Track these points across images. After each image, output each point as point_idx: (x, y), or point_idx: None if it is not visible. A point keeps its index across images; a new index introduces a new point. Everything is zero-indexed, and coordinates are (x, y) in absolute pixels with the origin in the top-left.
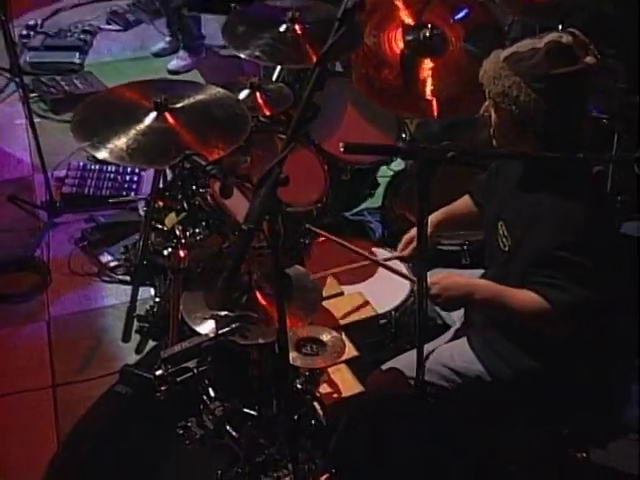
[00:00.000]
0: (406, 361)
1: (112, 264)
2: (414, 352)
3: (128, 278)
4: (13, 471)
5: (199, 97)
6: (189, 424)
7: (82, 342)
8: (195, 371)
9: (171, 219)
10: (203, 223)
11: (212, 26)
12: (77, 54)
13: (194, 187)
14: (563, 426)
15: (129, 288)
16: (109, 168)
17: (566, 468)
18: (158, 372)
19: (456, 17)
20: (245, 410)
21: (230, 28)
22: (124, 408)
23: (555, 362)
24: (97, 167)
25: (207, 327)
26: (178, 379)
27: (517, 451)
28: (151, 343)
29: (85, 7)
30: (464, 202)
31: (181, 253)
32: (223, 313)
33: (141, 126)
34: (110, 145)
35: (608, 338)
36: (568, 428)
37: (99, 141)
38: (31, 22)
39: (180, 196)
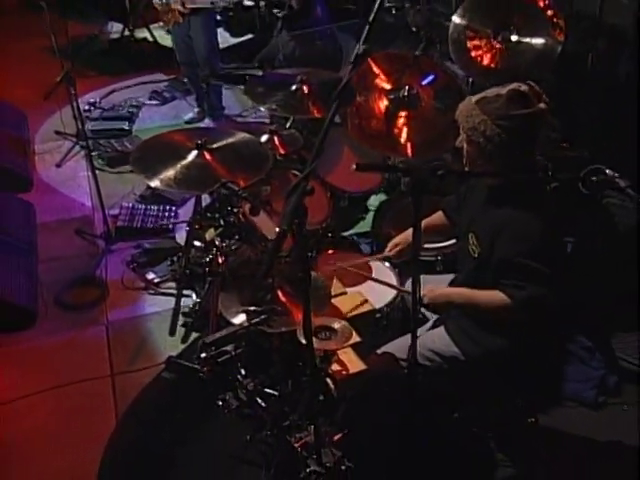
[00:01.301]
0: (396, 346)
1: (155, 280)
2: (402, 339)
3: (169, 291)
4: (79, 448)
5: (230, 140)
6: (227, 397)
7: (133, 341)
8: (233, 353)
9: (210, 233)
10: (236, 236)
11: (230, 100)
12: (127, 122)
13: (229, 208)
14: (518, 396)
15: (169, 299)
16: (152, 207)
17: (521, 430)
18: (203, 355)
19: (424, 82)
20: (271, 385)
21: (250, 89)
22: (170, 390)
23: (514, 344)
24: (142, 206)
25: (240, 319)
26: (219, 360)
27: (483, 417)
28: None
29: (133, 87)
30: (438, 216)
31: (219, 259)
32: (252, 308)
33: (185, 161)
34: (161, 176)
35: (553, 326)
36: (522, 398)
37: (153, 173)
38: (91, 100)
39: (218, 215)
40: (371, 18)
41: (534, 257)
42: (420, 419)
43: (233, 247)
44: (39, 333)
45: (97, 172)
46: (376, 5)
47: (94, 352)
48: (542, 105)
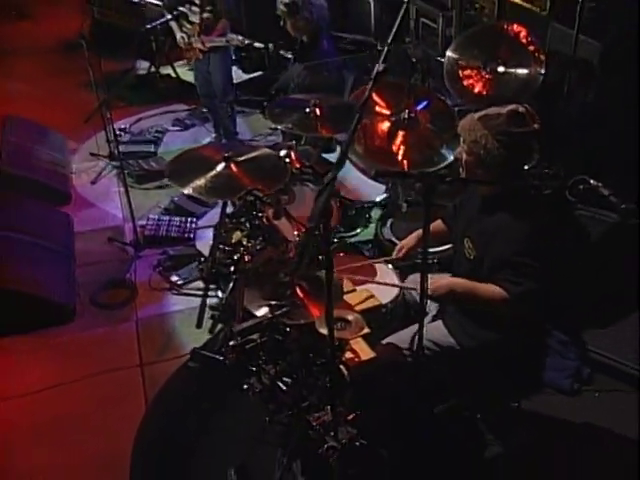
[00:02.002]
0: (399, 338)
1: (179, 282)
2: (403, 332)
3: (191, 291)
4: (112, 429)
5: (253, 154)
6: (252, 381)
7: (160, 335)
8: (258, 341)
9: (237, 235)
10: (260, 238)
11: (242, 127)
12: (153, 146)
13: (254, 212)
14: (504, 383)
15: (191, 298)
16: (174, 218)
17: (506, 414)
18: (231, 342)
19: (419, 107)
20: (290, 371)
21: (270, 110)
22: (194, 378)
23: (502, 337)
24: (167, 218)
25: (262, 311)
26: (246, 347)
27: (474, 401)
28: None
29: (158, 116)
30: (437, 224)
31: (246, 258)
32: (274, 302)
33: (214, 172)
34: (193, 184)
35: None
36: (507, 385)
37: (186, 181)
38: (122, 126)
39: (244, 219)
40: (389, 41)
41: (528, 255)
42: (420, 402)
43: (258, 247)
44: (76, 328)
45: (128, 189)
46: (394, 30)
47: (125, 345)
48: (536, 125)
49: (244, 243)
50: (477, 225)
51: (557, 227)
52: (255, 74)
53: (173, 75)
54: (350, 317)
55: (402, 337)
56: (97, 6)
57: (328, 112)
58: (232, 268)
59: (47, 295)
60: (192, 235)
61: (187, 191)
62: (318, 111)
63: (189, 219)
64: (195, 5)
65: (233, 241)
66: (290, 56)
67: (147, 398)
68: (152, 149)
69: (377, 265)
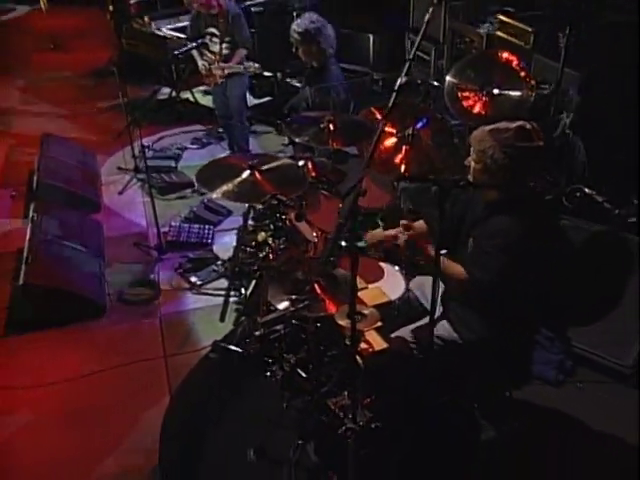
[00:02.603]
0: (406, 332)
1: (198, 283)
2: (409, 327)
3: (209, 291)
4: (139, 414)
5: (275, 163)
6: (274, 369)
7: (182, 329)
8: (282, 332)
9: (262, 236)
10: (283, 238)
11: (253, 145)
12: (173, 161)
13: (278, 215)
14: (498, 375)
15: (210, 297)
16: (194, 226)
17: (499, 402)
18: (257, 332)
19: (418, 125)
20: (308, 360)
21: (288, 126)
22: (215, 368)
23: (498, 333)
24: (187, 225)
25: (284, 305)
26: (270, 337)
27: (471, 390)
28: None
29: (178, 135)
30: (420, 224)
31: (271, 256)
32: (295, 296)
33: (239, 179)
34: (220, 189)
35: (524, 320)
36: (500, 376)
37: (214, 187)
38: (146, 143)
39: (268, 221)
40: (410, 56)
41: (505, 252)
42: (426, 391)
43: (281, 247)
44: (107, 322)
45: (149, 199)
46: (415, 46)
47: (150, 339)
48: (541, 142)
49: (269, 242)
50: (480, 226)
51: (548, 232)
52: (264, 99)
53: (191, 99)
54: (366, 311)
55: (409, 331)
56: (126, 38)
57: (340, 128)
58: (256, 266)
59: (81, 292)
60: (209, 241)
61: (215, 195)
62: (331, 126)
63: (206, 227)
64: (215, 36)
65: (259, 240)
66: (297, 84)
67: (170, 386)
68: (173, 164)
69: (384, 266)
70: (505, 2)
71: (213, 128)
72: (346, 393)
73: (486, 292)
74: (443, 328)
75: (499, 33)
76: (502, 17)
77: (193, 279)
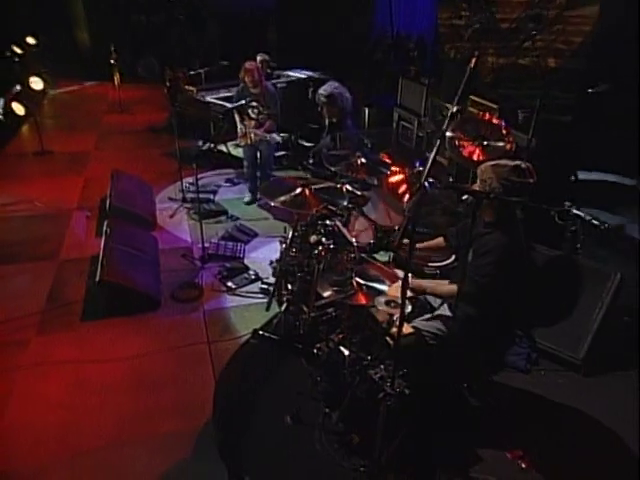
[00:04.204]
0: (419, 323)
1: (233, 287)
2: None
3: (242, 293)
4: (187, 387)
5: (321, 185)
6: (320, 346)
7: (221, 322)
8: (333, 314)
9: (314, 238)
10: (331, 239)
11: None
12: (212, 195)
13: (327, 221)
14: (482, 364)
15: (243, 299)
16: (229, 243)
17: (481, 384)
18: (312, 314)
19: (416, 165)
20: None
21: (327, 159)
22: (254, 352)
23: (481, 332)
24: (224, 242)
25: (328, 293)
26: (323, 318)
27: (461, 375)
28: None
29: (214, 177)
30: (438, 240)
31: (322, 252)
32: (337, 288)
33: (293, 193)
34: (279, 199)
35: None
36: (483, 365)
37: (274, 197)
38: (190, 181)
39: (319, 225)
40: (462, 87)
41: (497, 268)
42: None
43: (331, 246)
44: (161, 315)
45: (195, 222)
46: (466, 77)
47: (196, 328)
48: (532, 180)
49: (323, 241)
50: (479, 241)
51: (525, 250)
52: (281, 153)
53: (225, 150)
54: (398, 301)
55: (420, 322)
56: (178, 103)
57: (366, 162)
58: (307, 262)
59: (142, 290)
60: (241, 255)
61: (274, 203)
62: (359, 161)
63: (239, 244)
64: (255, 108)
65: (311, 241)
66: (306, 143)
67: (213, 366)
68: (211, 197)
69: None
70: (476, 85)
71: (242, 172)
72: (382, 366)
73: (475, 299)
74: (437, 324)
75: (471, 108)
76: (472, 97)
77: (229, 284)
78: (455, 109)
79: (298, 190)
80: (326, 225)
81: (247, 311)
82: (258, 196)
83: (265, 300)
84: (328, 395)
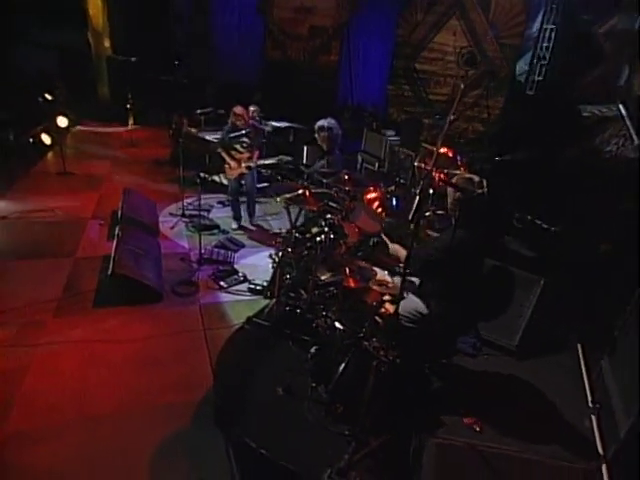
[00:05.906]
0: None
1: (225, 286)
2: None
3: (232, 291)
4: (187, 367)
5: (319, 190)
6: (320, 322)
7: (214, 314)
8: (335, 291)
9: (314, 229)
10: (331, 232)
11: (258, 208)
12: (206, 212)
13: (328, 216)
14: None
15: (233, 296)
16: (221, 250)
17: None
18: (316, 291)
19: (394, 207)
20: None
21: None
22: (248, 337)
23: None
24: (217, 250)
25: (325, 276)
26: (327, 295)
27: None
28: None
29: (209, 199)
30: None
31: (323, 241)
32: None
33: (295, 193)
34: (284, 196)
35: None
36: (441, 349)
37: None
38: (188, 200)
39: (323, 221)
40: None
41: (442, 251)
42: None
43: (330, 237)
44: (163, 306)
45: (191, 233)
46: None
47: (193, 318)
48: (479, 190)
49: (324, 231)
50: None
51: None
52: (264, 184)
53: (217, 180)
54: (390, 283)
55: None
56: (181, 139)
57: (354, 178)
58: (306, 250)
59: (148, 283)
60: (232, 260)
61: (278, 200)
62: (347, 177)
63: (229, 252)
64: (245, 144)
65: (313, 232)
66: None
67: (209, 348)
68: (205, 214)
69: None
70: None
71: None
72: (375, 339)
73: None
74: (417, 304)
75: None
76: (426, 145)
77: (222, 283)
78: (453, 118)
79: (300, 191)
80: (327, 219)
81: (237, 306)
82: (242, 222)
83: (253, 298)
84: (314, 372)
